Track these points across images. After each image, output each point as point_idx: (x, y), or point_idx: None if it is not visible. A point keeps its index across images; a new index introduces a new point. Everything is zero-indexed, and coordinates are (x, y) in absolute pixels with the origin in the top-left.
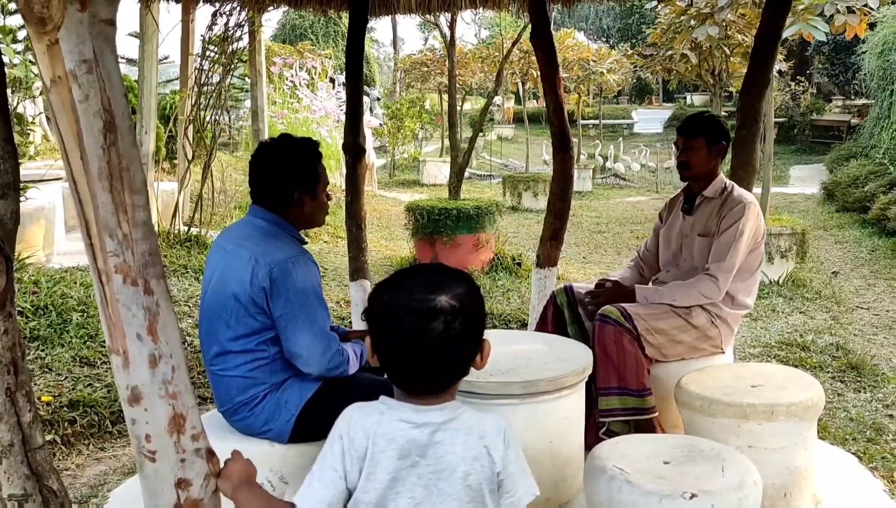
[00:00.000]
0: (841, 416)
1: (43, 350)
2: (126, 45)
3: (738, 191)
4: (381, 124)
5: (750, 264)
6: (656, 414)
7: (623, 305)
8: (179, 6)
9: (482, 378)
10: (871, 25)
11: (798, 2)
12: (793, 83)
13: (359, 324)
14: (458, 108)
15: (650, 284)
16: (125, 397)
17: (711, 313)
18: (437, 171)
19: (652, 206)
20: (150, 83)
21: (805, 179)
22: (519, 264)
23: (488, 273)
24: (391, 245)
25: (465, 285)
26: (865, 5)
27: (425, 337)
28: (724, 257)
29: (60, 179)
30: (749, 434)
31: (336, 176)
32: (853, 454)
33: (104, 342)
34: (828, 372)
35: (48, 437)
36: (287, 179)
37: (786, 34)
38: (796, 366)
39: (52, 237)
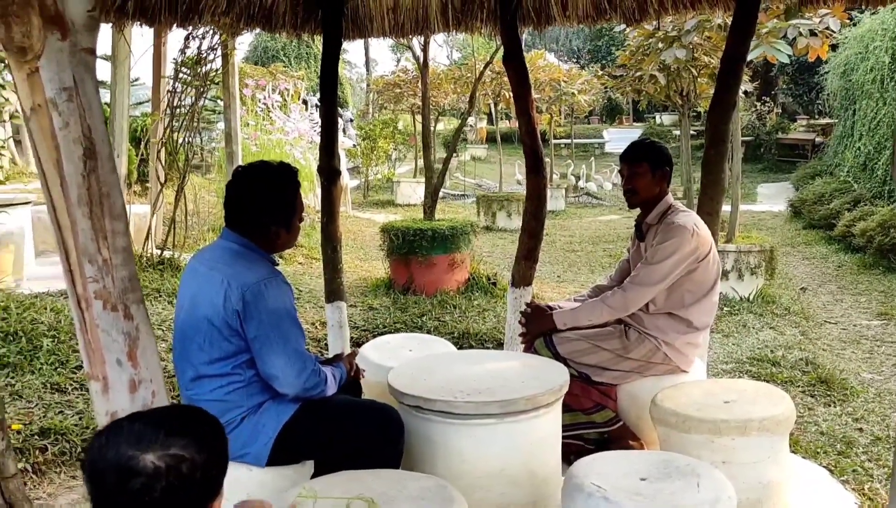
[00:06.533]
0: (812, 430)
1: (13, 377)
2: (98, 68)
3: (674, 216)
4: (354, 145)
5: (697, 287)
6: (619, 425)
7: (554, 342)
8: (152, 29)
9: (459, 398)
10: (833, 47)
11: (762, 25)
12: (758, 103)
13: (335, 345)
14: (432, 128)
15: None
16: (105, 423)
17: (658, 341)
18: (412, 191)
19: (624, 224)
20: (122, 106)
21: (772, 197)
22: (494, 284)
23: (464, 293)
24: (366, 266)
25: (192, 441)
26: (827, 28)
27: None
28: (638, 272)
29: (29, 203)
30: (723, 449)
31: (310, 197)
32: (824, 467)
33: (75, 368)
34: (798, 387)
35: (19, 466)
36: (263, 210)
37: (750, 56)
38: (767, 381)
39: (21, 262)
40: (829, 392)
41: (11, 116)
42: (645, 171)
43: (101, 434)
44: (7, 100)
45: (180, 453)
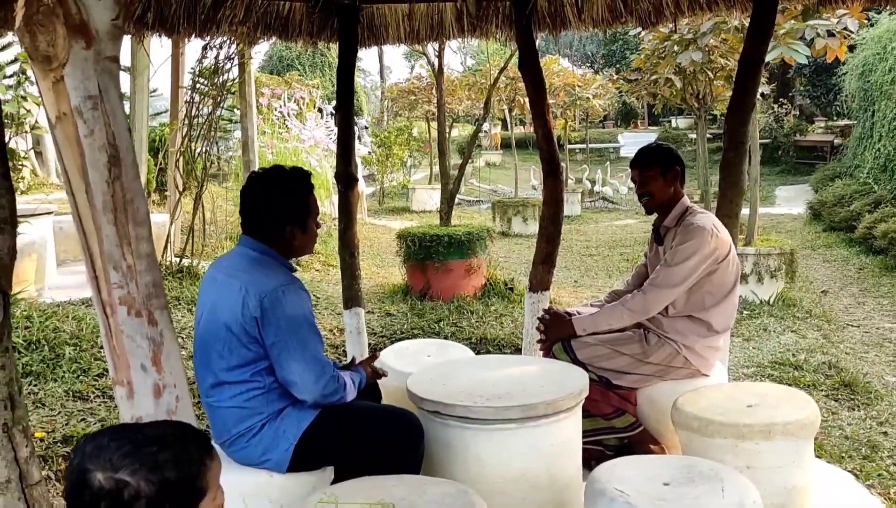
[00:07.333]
0: (836, 434)
1: (35, 385)
2: None
3: (692, 217)
4: (369, 152)
5: (717, 289)
6: (639, 430)
7: (573, 347)
8: (169, 40)
9: (479, 403)
10: (851, 48)
11: (779, 26)
12: (776, 105)
13: (353, 352)
14: (447, 134)
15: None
16: None
17: (678, 345)
18: (427, 197)
19: (640, 228)
20: (141, 116)
21: (791, 200)
22: (511, 289)
23: (481, 298)
24: (383, 272)
25: (144, 469)
26: (845, 28)
27: None
28: (658, 274)
29: (51, 213)
30: (747, 454)
31: (326, 205)
32: (850, 472)
33: (97, 376)
34: (821, 391)
35: (42, 473)
36: (278, 213)
37: (768, 58)
38: (790, 385)
39: (43, 272)
40: (852, 396)
41: (32, 128)
42: (656, 174)
43: (84, 439)
44: (28, 111)
45: (125, 479)
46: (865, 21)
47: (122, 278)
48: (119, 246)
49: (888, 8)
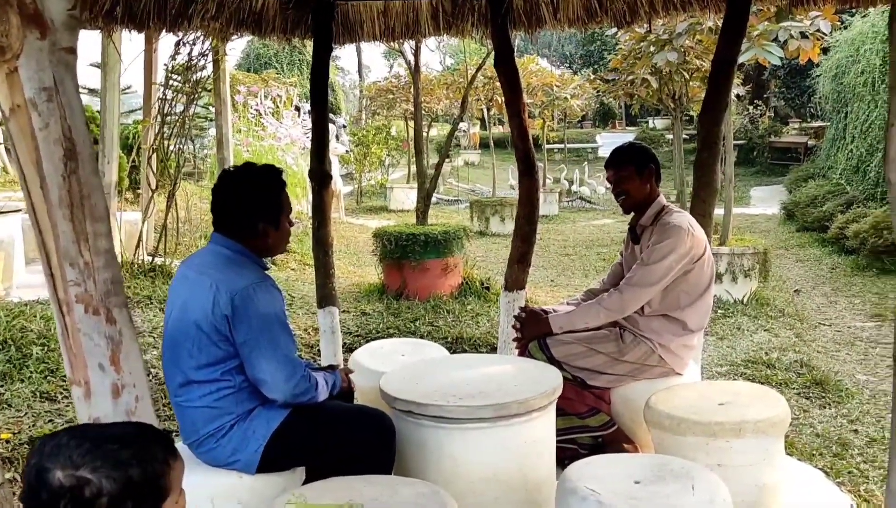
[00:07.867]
0: (807, 432)
1: (2, 386)
2: (88, 76)
3: (669, 216)
4: (347, 151)
5: (693, 288)
6: (613, 429)
7: (549, 346)
8: (142, 36)
9: (451, 403)
10: (825, 50)
11: (753, 28)
12: (751, 107)
13: (327, 351)
14: (425, 134)
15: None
16: None
17: (653, 343)
18: (405, 197)
19: (617, 228)
20: (112, 113)
21: (765, 200)
22: (487, 288)
23: (457, 298)
24: (359, 271)
25: (106, 466)
26: (818, 30)
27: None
28: (634, 273)
29: (20, 210)
30: (718, 452)
31: (302, 203)
32: (820, 469)
33: (65, 376)
34: (793, 389)
35: (7, 475)
36: (250, 210)
37: (742, 59)
38: (762, 383)
39: (11, 270)
40: (823, 394)
41: (0, 123)
42: (631, 173)
43: (41, 440)
44: None
45: (87, 476)
46: (838, 23)
47: (78, 276)
48: (76, 242)
49: (860, 10)
